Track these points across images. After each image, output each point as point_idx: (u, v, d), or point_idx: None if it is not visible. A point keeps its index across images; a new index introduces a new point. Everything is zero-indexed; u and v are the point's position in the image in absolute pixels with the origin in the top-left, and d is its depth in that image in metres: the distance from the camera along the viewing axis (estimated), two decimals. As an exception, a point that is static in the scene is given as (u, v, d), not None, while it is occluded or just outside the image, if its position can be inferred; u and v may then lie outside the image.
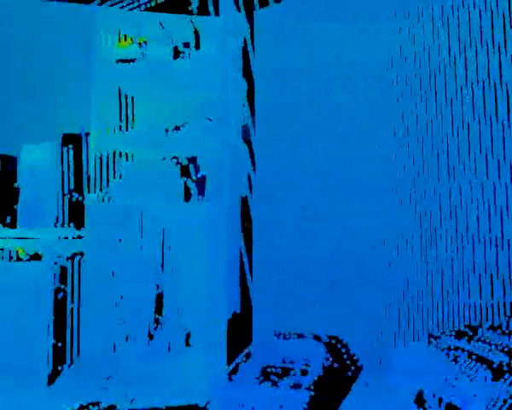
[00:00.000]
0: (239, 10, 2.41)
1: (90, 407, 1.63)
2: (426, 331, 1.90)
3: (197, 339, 1.92)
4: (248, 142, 2.37)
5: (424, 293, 2.01)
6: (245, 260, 2.29)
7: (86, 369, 1.96)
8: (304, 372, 1.67)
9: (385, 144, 2.19)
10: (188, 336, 1.90)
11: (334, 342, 1.98)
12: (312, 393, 1.55)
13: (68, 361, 2.04)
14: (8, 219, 2.17)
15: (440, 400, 1.28)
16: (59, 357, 2.02)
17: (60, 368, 2.00)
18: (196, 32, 2.44)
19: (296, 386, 1.55)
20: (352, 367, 1.87)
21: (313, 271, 2.29)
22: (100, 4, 2.28)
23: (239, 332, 2.12)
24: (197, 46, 2.34)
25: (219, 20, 2.36)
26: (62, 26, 2.63)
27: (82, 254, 2.09)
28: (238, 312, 2.18)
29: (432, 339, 1.62)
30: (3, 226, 2.12)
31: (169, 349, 1.90)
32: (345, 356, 1.91)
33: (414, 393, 1.48)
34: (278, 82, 2.44)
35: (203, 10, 2.53)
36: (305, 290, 2.29)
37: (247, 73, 2.41)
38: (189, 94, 2.31)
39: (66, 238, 2.09)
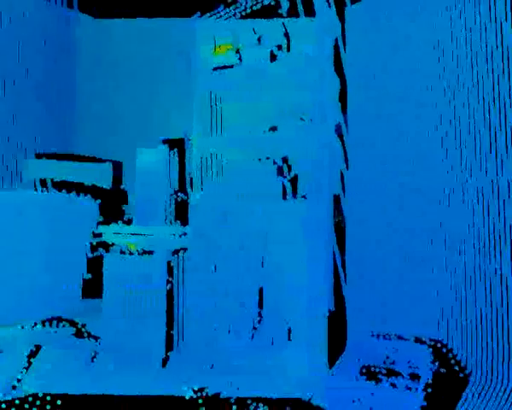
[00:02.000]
0: (329, 6, 2.38)
1: (205, 391, 1.74)
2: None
3: (298, 334, 1.95)
4: (341, 139, 2.34)
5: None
6: (338, 258, 2.27)
7: (192, 356, 2.09)
8: (412, 376, 1.61)
9: (487, 141, 2.02)
10: (289, 331, 1.94)
11: (439, 346, 1.88)
12: (425, 396, 1.49)
13: (176, 348, 2.20)
14: (125, 218, 2.40)
15: None
16: (169, 343, 2.18)
17: (169, 354, 2.16)
18: (288, 35, 2.47)
19: (407, 388, 1.50)
20: (461, 374, 1.76)
21: (408, 270, 2.19)
22: (200, 16, 2.41)
23: (333, 330, 2.10)
24: (290, 48, 2.37)
25: (311, 20, 2.36)
26: (167, 40, 2.84)
27: (187, 249, 2.23)
28: (332, 310, 2.16)
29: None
30: (123, 223, 2.35)
31: (272, 343, 1.96)
32: (452, 361, 1.80)
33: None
34: (370, 79, 2.37)
35: (293, 12, 2.55)
36: (400, 290, 2.20)
37: (339, 70, 2.38)
38: (283, 95, 2.34)
39: (173, 235, 2.26)
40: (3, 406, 1.64)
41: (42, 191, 2.29)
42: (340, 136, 2.35)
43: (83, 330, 2.36)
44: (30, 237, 1.88)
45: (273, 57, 2.28)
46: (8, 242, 1.82)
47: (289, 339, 1.93)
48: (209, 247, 2.14)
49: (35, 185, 2.62)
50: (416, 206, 2.19)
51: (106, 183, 2.86)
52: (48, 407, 1.65)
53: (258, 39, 2.41)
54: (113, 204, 2.64)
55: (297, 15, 2.47)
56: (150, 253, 2.25)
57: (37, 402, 1.68)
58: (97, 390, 1.81)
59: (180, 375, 1.98)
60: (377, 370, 1.72)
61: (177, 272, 2.23)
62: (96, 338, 2.29)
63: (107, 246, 2.36)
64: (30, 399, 1.70)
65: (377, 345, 2.00)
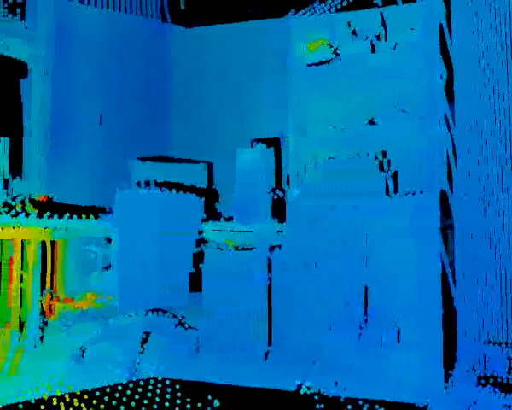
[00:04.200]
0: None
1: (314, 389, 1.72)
2: None
3: (408, 337, 1.84)
4: (449, 132, 2.17)
5: None
6: (445, 259, 2.10)
7: (293, 352, 2.08)
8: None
9: None
10: (398, 332, 1.84)
11: None
12: None
13: (274, 343, 2.21)
14: (226, 215, 2.47)
15: None
16: (270, 338, 2.20)
17: (270, 348, 2.18)
18: (385, 24, 2.35)
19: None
20: None
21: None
22: (294, 14, 2.40)
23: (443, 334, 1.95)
24: (391, 37, 2.25)
25: (411, 6, 2.23)
26: (260, 41, 2.88)
27: (285, 246, 2.23)
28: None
29: None
30: (225, 220, 2.43)
31: (380, 344, 1.87)
32: None
33: None
34: (479, 66, 2.16)
35: (390, 1, 2.42)
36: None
37: (446, 58, 2.20)
38: (382, 87, 2.23)
39: (270, 232, 2.28)
40: (131, 385, 1.78)
41: (148, 191, 2.46)
42: (447, 128, 2.18)
43: (182, 321, 2.49)
44: (147, 233, 2.02)
45: (372, 48, 2.19)
46: (130, 238, 1.99)
47: (398, 341, 1.83)
48: (308, 244, 2.12)
49: (139, 185, 2.83)
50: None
51: (202, 182, 3.00)
52: (168, 390, 1.76)
53: (354, 32, 2.33)
54: (208, 203, 2.75)
55: (394, 3, 2.35)
56: (249, 249, 2.29)
57: (159, 385, 1.80)
58: (206, 378, 1.89)
59: (282, 370, 1.98)
60: (504, 381, 1.55)
61: (276, 268, 2.24)
62: (196, 329, 2.40)
63: (206, 242, 2.46)
64: (151, 382, 1.83)
65: (495, 353, 1.81)
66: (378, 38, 2.23)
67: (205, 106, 3.19)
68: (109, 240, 2.56)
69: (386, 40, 2.28)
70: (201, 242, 2.45)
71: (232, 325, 2.19)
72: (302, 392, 1.70)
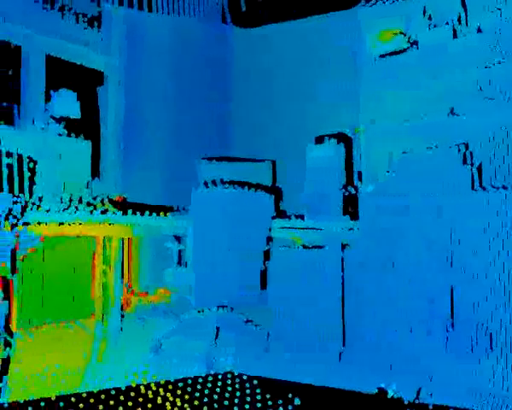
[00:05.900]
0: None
1: (395, 392, 1.64)
2: None
3: (503, 343, 1.69)
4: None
5: None
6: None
7: (368, 353, 2.00)
8: None
9: None
10: (490, 338, 1.69)
11: None
12: None
13: (348, 344, 2.14)
14: (289, 213, 2.45)
15: None
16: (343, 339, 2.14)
17: (344, 348, 2.12)
18: (465, 6, 2.18)
19: None
20: None
21: None
22: (364, 5, 2.32)
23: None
24: (473, 22, 2.09)
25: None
26: (327, 35, 2.82)
27: (358, 244, 2.16)
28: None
29: None
30: (295, 218, 2.40)
31: (470, 349, 1.74)
32: None
33: None
34: None
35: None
36: None
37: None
38: (463, 74, 2.08)
39: (342, 229, 2.21)
40: (210, 378, 1.82)
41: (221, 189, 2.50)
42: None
43: (250, 318, 2.50)
44: (220, 230, 2.06)
45: (454, 33, 2.04)
46: (204, 235, 2.03)
47: (491, 348, 1.68)
48: (384, 243, 2.02)
49: (206, 185, 2.89)
50: None
51: (267, 181, 3.01)
52: (247, 385, 1.77)
53: (430, 17, 2.19)
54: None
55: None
56: (319, 247, 2.24)
57: (237, 380, 1.82)
58: (282, 376, 1.87)
59: (358, 371, 1.91)
60: None
61: (349, 266, 2.16)
62: (263, 328, 2.39)
63: (272, 240, 2.45)
64: (229, 375, 1.85)
65: None
66: (459, 21, 2.08)
67: (264, 105, 3.19)
68: (177, 238, 2.65)
69: (467, 24, 2.11)
70: (269, 240, 2.44)
71: (304, 324, 2.15)
72: (389, 396, 1.63)
